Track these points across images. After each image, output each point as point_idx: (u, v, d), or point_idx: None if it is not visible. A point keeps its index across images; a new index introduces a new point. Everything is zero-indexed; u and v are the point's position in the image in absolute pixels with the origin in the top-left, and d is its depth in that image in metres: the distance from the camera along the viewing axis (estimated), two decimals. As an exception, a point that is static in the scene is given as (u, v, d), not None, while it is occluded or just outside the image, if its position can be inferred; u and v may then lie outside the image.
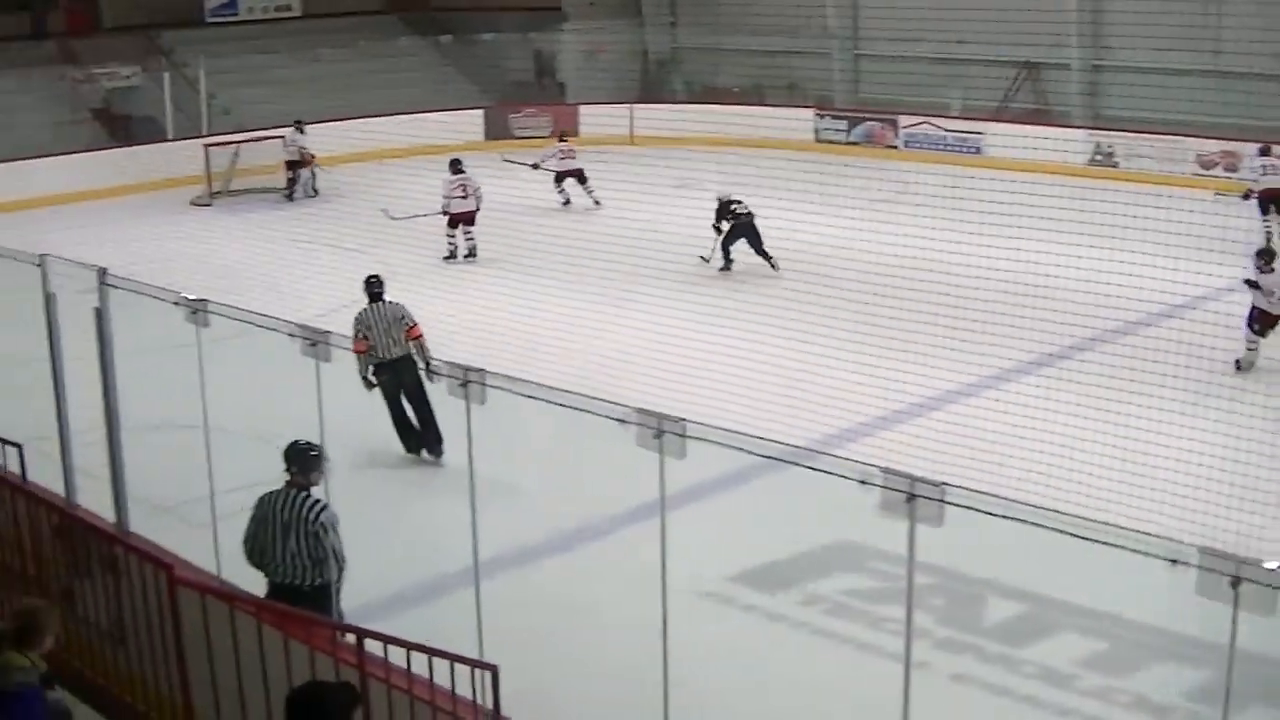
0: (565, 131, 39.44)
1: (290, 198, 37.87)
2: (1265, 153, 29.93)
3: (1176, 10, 35.57)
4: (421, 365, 17.84)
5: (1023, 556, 13.26)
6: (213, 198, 37.72)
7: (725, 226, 27.92)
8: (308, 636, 10.13)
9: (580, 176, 35.46)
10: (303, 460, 11.95)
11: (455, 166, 30.93)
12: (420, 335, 18.35)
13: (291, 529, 11.80)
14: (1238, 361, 20.61)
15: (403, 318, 18.46)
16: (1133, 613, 13.70)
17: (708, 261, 27.84)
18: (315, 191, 38.17)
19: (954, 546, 9.96)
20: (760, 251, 27.48)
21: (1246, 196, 29.20)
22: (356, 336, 17.90)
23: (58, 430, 13.18)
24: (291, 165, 37.97)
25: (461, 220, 30.20)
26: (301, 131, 38.15)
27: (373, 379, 17.99)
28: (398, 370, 18.12)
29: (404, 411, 18.34)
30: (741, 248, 27.22)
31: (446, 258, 30.05)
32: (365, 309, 18.69)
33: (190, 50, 45.21)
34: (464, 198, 30.17)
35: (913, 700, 8.41)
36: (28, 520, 11.98)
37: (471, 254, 30.10)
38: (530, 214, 28.60)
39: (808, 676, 12.99)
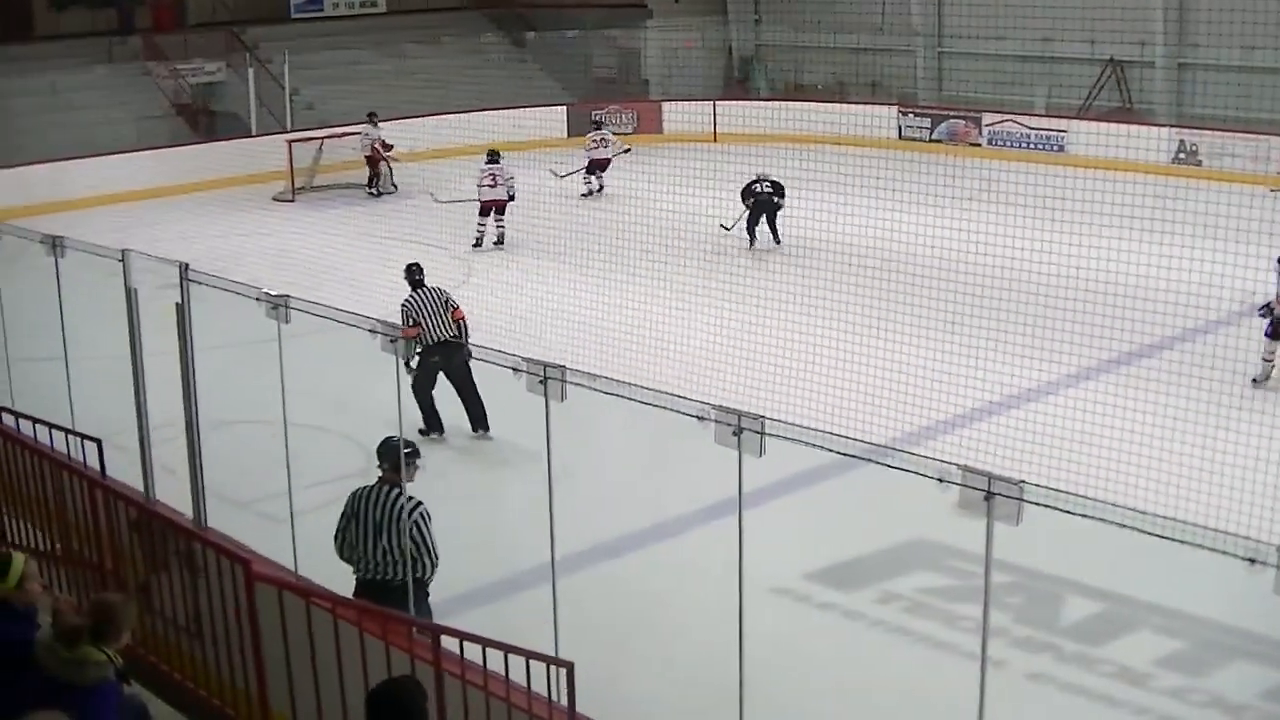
0: (599, 121, 39.77)
1: (376, 194, 38.00)
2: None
3: (1262, 8, 35.26)
4: (467, 346, 18.23)
5: (1100, 555, 13.20)
6: (296, 193, 37.85)
7: (750, 204, 29.71)
8: (384, 633, 10.14)
9: (603, 166, 36.95)
10: (396, 457, 12.04)
11: (491, 157, 31.94)
12: (463, 316, 19.00)
13: (384, 526, 11.97)
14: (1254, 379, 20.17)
15: (448, 301, 19.10)
16: (1210, 612, 13.60)
17: (728, 230, 29.60)
18: (394, 186, 38.25)
19: (1031, 545, 9.89)
20: (771, 226, 29.58)
21: None
22: (405, 323, 18.45)
23: (137, 425, 13.25)
24: (371, 160, 38.10)
25: (492, 208, 31.25)
26: (375, 125, 38.24)
27: (414, 364, 18.04)
28: (448, 352, 18.53)
29: (432, 394, 18.74)
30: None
31: (474, 245, 31.03)
32: (411, 295, 19.22)
33: (274, 46, 45.39)
34: (493, 186, 31.18)
35: (989, 699, 8.34)
36: (106, 515, 12.04)
37: (500, 241, 31.14)
38: (606, 209, 28.60)
39: (884, 675, 12.95)
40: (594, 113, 40.78)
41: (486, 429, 18.83)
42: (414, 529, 11.90)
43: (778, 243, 29.34)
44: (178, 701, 11.26)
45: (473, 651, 9.92)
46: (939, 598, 14.12)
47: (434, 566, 12.05)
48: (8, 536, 12.69)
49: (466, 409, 18.84)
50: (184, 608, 11.51)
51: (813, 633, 13.71)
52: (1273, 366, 20.06)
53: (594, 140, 37.26)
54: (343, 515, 12.25)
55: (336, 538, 12.29)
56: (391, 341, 11.58)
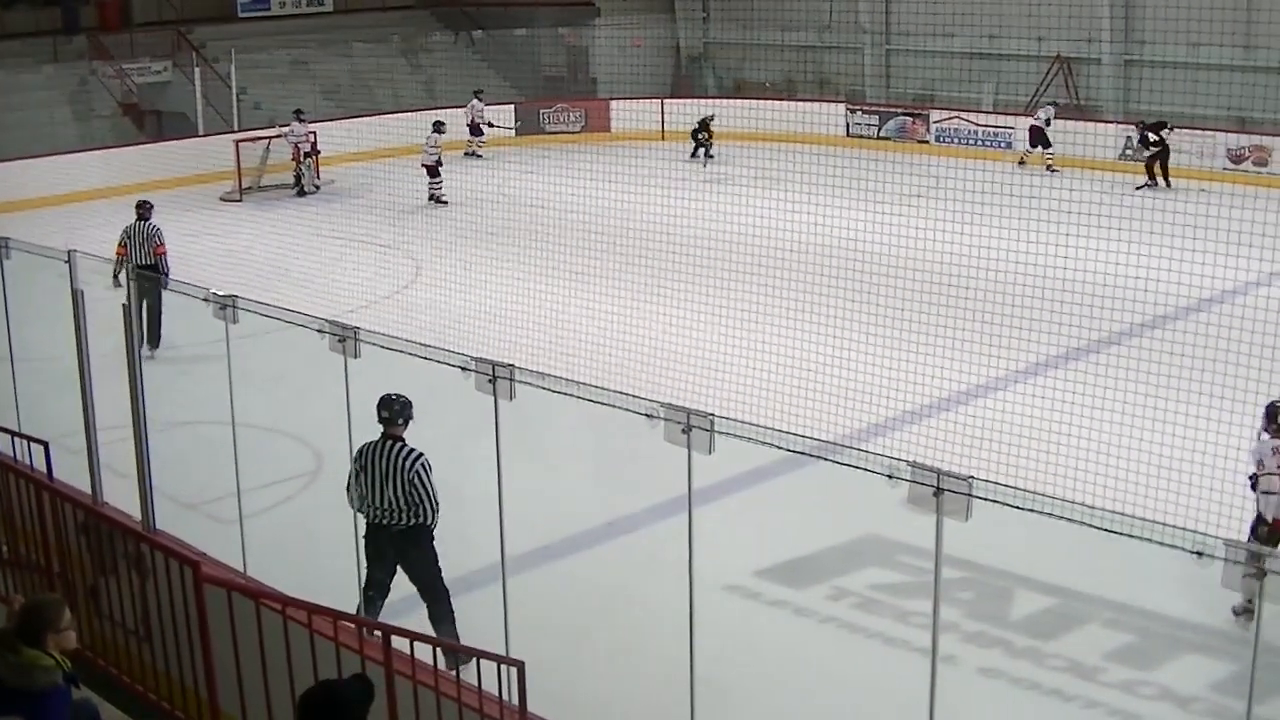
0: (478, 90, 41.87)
1: (301, 192, 37.93)
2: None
3: (1208, 5, 35.46)
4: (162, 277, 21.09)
5: (1050, 550, 13.33)
6: (243, 193, 37.74)
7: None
8: (334, 634, 10.12)
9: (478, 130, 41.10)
10: (395, 410, 12.58)
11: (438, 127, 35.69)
12: (164, 252, 23.20)
13: (390, 476, 12.50)
14: None
15: (153, 236, 23.27)
16: (1159, 605, 13.66)
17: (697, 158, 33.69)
18: (317, 186, 38.15)
19: (981, 541, 9.93)
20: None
21: None
22: (120, 244, 22.94)
23: (84, 427, 13.19)
24: (307, 156, 38.05)
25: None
26: (302, 122, 38.18)
27: (123, 280, 19.52)
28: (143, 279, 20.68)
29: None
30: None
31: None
32: (129, 225, 23.42)
33: (221, 45, 45.30)
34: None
35: (940, 693, 8.37)
36: (54, 518, 11.98)
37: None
38: (555, 209, 28.59)
39: (835, 670, 12.96)
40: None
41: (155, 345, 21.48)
42: (415, 478, 12.46)
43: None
44: (127, 704, 11.21)
45: (423, 651, 9.90)
46: (890, 594, 14.14)
47: (435, 512, 12.65)
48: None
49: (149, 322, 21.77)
50: (133, 610, 11.46)
51: (764, 629, 13.70)
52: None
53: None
54: (351, 470, 12.69)
55: (348, 488, 12.79)
56: (340, 340, 11.56)
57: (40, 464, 12.84)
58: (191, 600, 10.63)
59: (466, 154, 40.84)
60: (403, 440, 12.61)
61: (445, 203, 33.94)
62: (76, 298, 12.98)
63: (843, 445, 9.44)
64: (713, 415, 9.03)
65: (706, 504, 9.80)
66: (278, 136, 38.55)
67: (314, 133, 38.20)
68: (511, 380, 10.44)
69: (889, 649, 13.12)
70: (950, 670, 11.39)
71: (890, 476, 7.98)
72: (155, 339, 21.53)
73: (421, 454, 12.56)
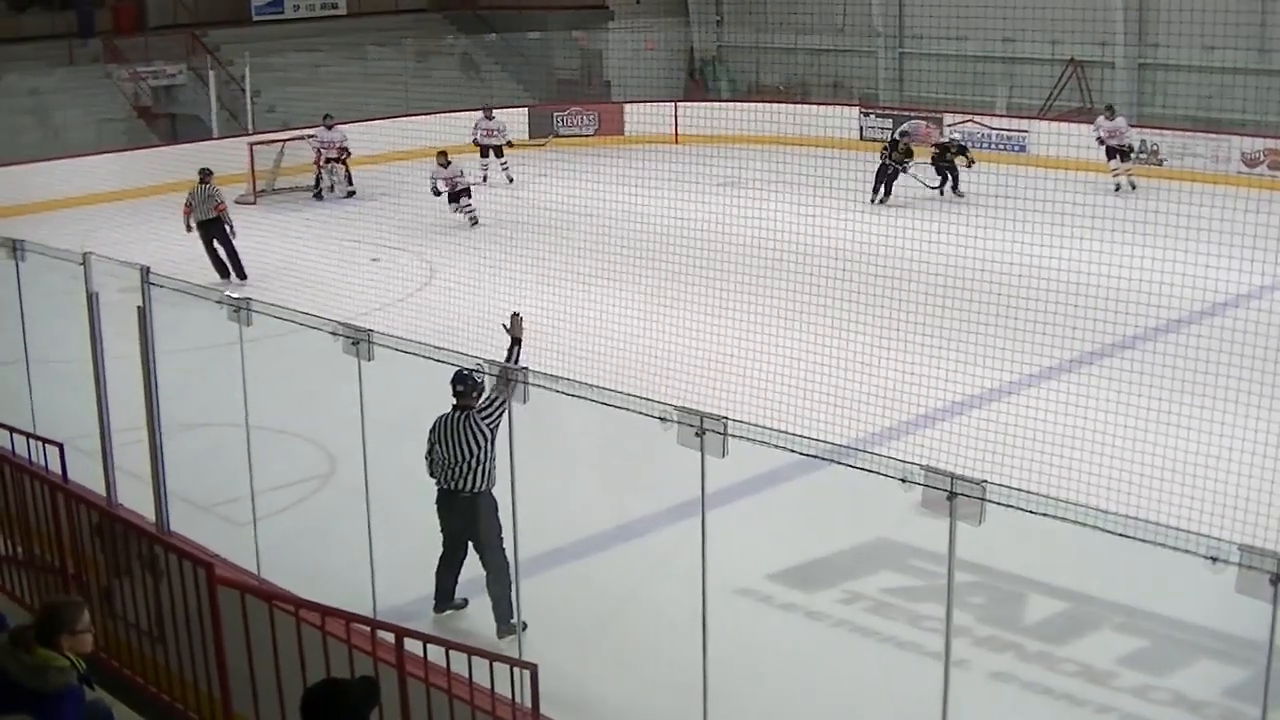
0: (488, 107, 40.62)
1: (319, 196, 37.98)
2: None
3: (1222, 8, 35.40)
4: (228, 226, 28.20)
5: (1063, 555, 13.30)
6: (258, 196, 37.75)
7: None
8: (347, 636, 10.13)
9: (499, 152, 38.90)
10: (467, 384, 13.26)
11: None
12: (224, 208, 28.48)
13: (460, 443, 13.26)
14: None
15: (213, 196, 28.20)
16: (1173, 610, 13.63)
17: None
18: (351, 191, 38.21)
19: (994, 545, 9.94)
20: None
21: None
22: (186, 204, 28.41)
23: (99, 429, 13.21)
24: (327, 164, 38.08)
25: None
26: (329, 127, 38.23)
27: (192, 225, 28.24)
28: (209, 226, 28.19)
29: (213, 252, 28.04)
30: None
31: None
32: (194, 188, 28.41)
33: (236, 48, 45.32)
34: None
35: (952, 698, 8.37)
36: (68, 519, 12.00)
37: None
38: (573, 212, 28.58)
39: (847, 674, 12.95)
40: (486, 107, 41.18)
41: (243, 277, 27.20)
42: (479, 433, 13.20)
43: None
44: (141, 705, 11.23)
45: (436, 654, 9.92)
46: (902, 598, 14.13)
47: (493, 473, 13.32)
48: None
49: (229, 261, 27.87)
50: (147, 612, 11.48)
51: (776, 633, 13.69)
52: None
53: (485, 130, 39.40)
54: (429, 439, 13.49)
55: (427, 458, 13.57)
56: (354, 343, 11.58)
57: (55, 465, 12.88)
58: (205, 602, 10.65)
59: (486, 179, 38.71)
60: (470, 411, 13.33)
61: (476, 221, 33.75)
62: (91, 300, 13.02)
63: (856, 449, 9.41)
64: (726, 418, 9.03)
65: (719, 507, 9.82)
66: (292, 139, 38.58)
67: (345, 137, 38.23)
68: (525, 383, 10.46)
69: (901, 653, 13.11)
70: (962, 674, 11.38)
71: (904, 480, 7.99)
72: (241, 272, 27.62)
73: (489, 416, 13.26)
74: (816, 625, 13.84)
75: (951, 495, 7.79)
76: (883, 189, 34.06)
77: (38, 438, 13.50)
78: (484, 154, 38.94)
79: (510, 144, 38.97)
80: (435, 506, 13.55)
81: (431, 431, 13.52)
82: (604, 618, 13.95)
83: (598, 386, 10.13)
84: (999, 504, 7.70)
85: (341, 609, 10.56)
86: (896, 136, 36.07)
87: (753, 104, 43.89)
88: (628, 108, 46.06)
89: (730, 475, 9.92)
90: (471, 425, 13.28)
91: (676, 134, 43.81)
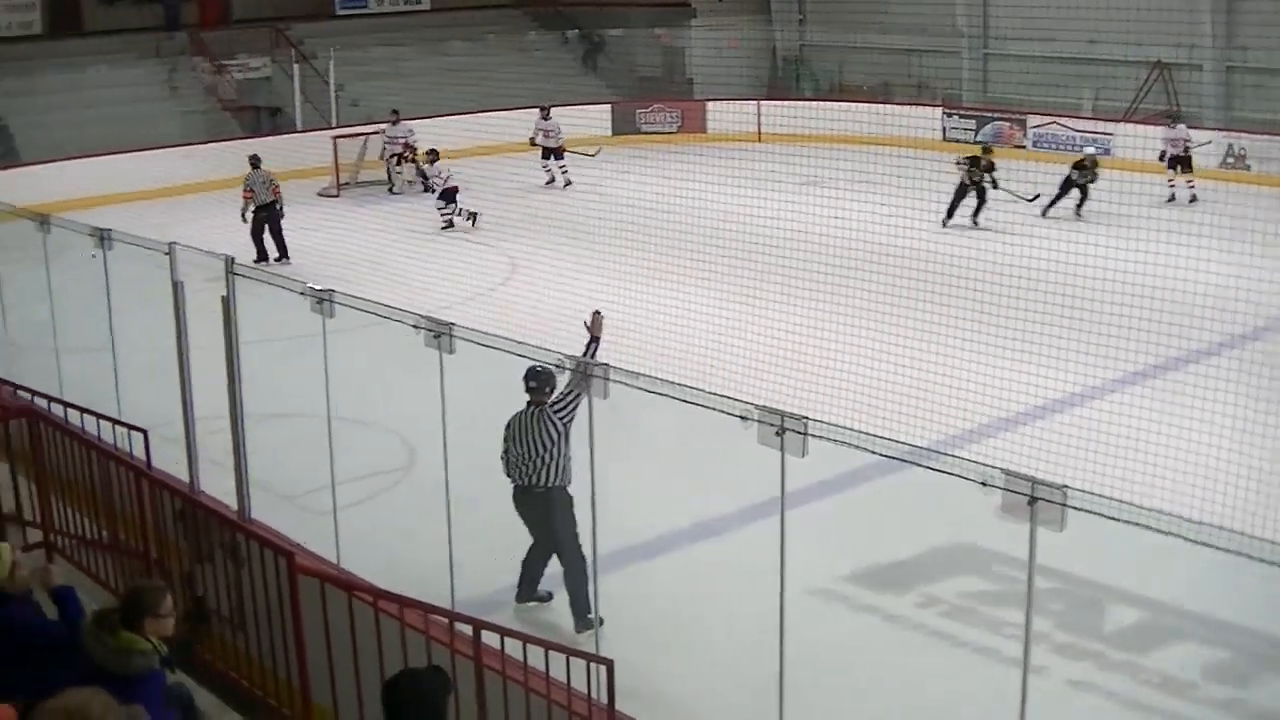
0: (545, 107, 39.88)
1: (392, 191, 38.25)
2: None
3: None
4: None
5: (1145, 562, 13.17)
6: (340, 189, 37.98)
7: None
8: (426, 627, 10.19)
9: (558, 154, 38.51)
10: (539, 379, 13.38)
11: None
12: (280, 191, 30.00)
13: (532, 439, 13.38)
14: None
15: (270, 180, 30.08)
16: (1256, 622, 13.49)
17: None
18: (425, 187, 38.34)
19: (1075, 551, 9.88)
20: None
21: None
22: (245, 189, 30.15)
23: (183, 417, 13.31)
24: (395, 159, 38.26)
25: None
26: (395, 123, 38.45)
27: (249, 216, 29.98)
28: (267, 210, 30.18)
29: (262, 236, 30.00)
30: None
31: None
32: (250, 174, 30.13)
33: (320, 42, 45.60)
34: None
35: (1030, 704, 8.33)
36: (152, 505, 12.11)
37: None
38: (655, 210, 28.58)
39: (923, 678, 12.90)
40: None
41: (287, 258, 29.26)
42: (552, 428, 13.31)
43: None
44: (220, 690, 11.32)
45: (513, 647, 9.95)
46: (980, 602, 14.08)
47: (567, 469, 13.49)
48: (56, 524, 12.77)
49: (275, 243, 29.96)
50: (228, 598, 11.57)
51: (853, 635, 13.67)
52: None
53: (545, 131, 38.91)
54: (504, 439, 13.60)
55: (503, 458, 13.63)
56: (436, 337, 11.63)
57: (139, 452, 13.00)
58: (285, 590, 10.73)
59: (549, 183, 38.70)
60: (543, 407, 13.42)
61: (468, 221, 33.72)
62: (176, 289, 13.12)
63: (936, 451, 9.39)
64: (807, 418, 9.02)
65: (798, 507, 9.79)
66: (375, 133, 38.78)
67: (411, 132, 38.40)
68: (606, 379, 10.47)
69: (979, 658, 13.06)
70: (1041, 681, 11.33)
71: (984, 484, 7.96)
72: (285, 254, 29.95)
73: (561, 410, 13.37)
74: (894, 628, 13.81)
75: (1032, 500, 7.75)
76: (955, 211, 31.56)
77: (123, 424, 13.63)
78: (545, 155, 38.71)
79: (563, 148, 38.68)
80: (512, 502, 13.64)
81: (506, 429, 13.61)
82: (681, 615, 13.96)
83: (679, 384, 10.14)
84: (1080, 509, 7.66)
85: (420, 600, 10.61)
86: (980, 152, 33.11)
87: (835, 103, 43.69)
88: (710, 105, 46.04)
89: (809, 475, 9.90)
90: (544, 421, 13.37)
91: (759, 132, 43.73)
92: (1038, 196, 31.42)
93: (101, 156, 37.12)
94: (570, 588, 13.38)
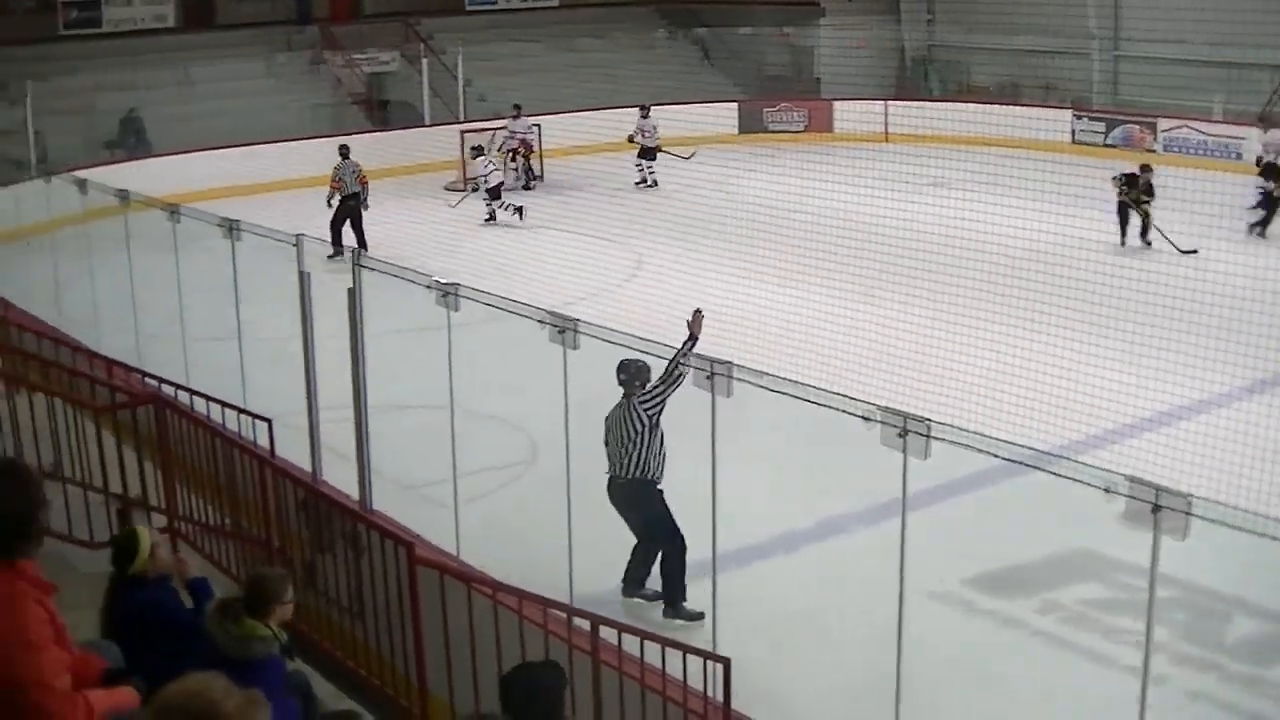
0: (644, 106, 39.68)
1: (528, 187, 38.32)
2: None
3: None
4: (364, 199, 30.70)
5: (1270, 574, 12.98)
6: (467, 183, 38.16)
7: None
8: (544, 621, 10.22)
9: (653, 154, 38.31)
10: (629, 372, 13.62)
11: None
12: (367, 181, 30.92)
13: (621, 430, 13.67)
14: None
15: (357, 170, 30.88)
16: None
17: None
18: (534, 180, 38.50)
19: (1198, 560, 9.80)
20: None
21: None
22: (333, 178, 30.94)
23: (307, 407, 13.42)
24: (513, 154, 38.38)
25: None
26: (517, 117, 38.63)
27: (334, 203, 30.62)
28: (353, 200, 30.56)
29: (341, 228, 30.11)
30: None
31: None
32: (339, 164, 31.04)
33: (449, 37, 45.88)
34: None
35: (1148, 714, 8.26)
36: (274, 494, 12.22)
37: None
38: (781, 209, 28.54)
39: (1041, 684, 12.81)
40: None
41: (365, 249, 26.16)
42: (639, 419, 13.55)
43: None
44: (338, 678, 11.41)
45: (630, 643, 9.97)
46: (1101, 609, 13.95)
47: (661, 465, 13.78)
48: (180, 510, 12.92)
49: (355, 234, 29.91)
50: (347, 587, 11.66)
51: (971, 639, 13.59)
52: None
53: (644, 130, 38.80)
54: (604, 430, 13.83)
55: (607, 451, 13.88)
56: (560, 332, 11.67)
57: (263, 441, 13.11)
58: (405, 581, 10.80)
59: (639, 183, 38.44)
60: (634, 398, 13.63)
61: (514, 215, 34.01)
62: (303, 280, 13.24)
63: (1059, 456, 9.33)
64: (929, 420, 8.99)
65: (918, 509, 9.74)
66: (500, 129, 38.96)
67: (531, 129, 38.59)
68: (729, 377, 10.47)
69: (1097, 665, 12.94)
70: (1160, 691, 11.22)
71: (1107, 490, 7.90)
72: (363, 246, 28.42)
73: (648, 402, 13.57)
74: (1013, 633, 13.71)
75: (1156, 508, 7.69)
76: (1125, 230, 29.67)
77: (248, 413, 13.77)
78: (642, 154, 38.54)
79: (659, 147, 38.44)
80: (606, 493, 13.86)
81: (605, 421, 13.86)
82: (799, 615, 13.93)
83: (801, 383, 10.12)
84: (1204, 519, 7.59)
85: (539, 594, 10.65)
86: (1138, 170, 30.13)
87: (963, 104, 43.46)
88: (837, 105, 45.91)
89: (930, 477, 9.85)
90: (633, 412, 13.59)
91: (886, 132, 43.57)
92: (1195, 251, 27.90)
93: (231, 148, 37.53)
94: (664, 574, 13.67)
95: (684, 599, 13.45)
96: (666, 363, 13.12)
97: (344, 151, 31.39)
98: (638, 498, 13.70)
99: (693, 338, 13.51)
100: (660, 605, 13.73)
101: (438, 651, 10.75)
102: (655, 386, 13.52)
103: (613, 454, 13.75)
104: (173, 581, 9.20)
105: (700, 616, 12.98)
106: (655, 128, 38.57)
